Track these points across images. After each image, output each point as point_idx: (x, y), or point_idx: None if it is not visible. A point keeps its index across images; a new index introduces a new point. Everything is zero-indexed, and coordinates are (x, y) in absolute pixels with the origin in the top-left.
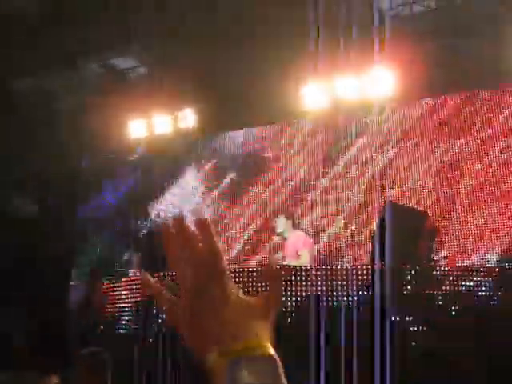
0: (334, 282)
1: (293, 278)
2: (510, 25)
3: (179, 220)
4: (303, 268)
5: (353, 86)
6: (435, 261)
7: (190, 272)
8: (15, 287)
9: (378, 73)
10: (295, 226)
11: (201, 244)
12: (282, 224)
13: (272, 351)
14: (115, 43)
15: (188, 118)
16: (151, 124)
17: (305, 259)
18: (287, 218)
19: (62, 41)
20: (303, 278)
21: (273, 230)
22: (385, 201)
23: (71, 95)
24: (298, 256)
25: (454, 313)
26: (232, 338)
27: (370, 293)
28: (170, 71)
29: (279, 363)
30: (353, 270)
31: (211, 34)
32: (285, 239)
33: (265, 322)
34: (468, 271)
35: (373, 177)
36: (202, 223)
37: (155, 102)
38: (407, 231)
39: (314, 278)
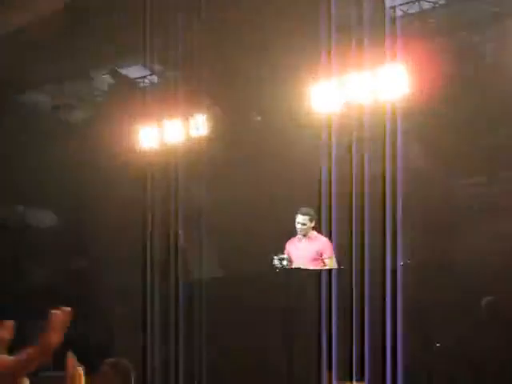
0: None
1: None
2: None
3: None
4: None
5: (365, 86)
6: None
7: None
8: None
9: (390, 71)
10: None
11: None
12: (304, 222)
13: None
14: (126, 53)
15: (200, 125)
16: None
17: (332, 266)
18: (311, 218)
19: (75, 53)
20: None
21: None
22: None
23: (84, 106)
24: (323, 262)
25: None
26: None
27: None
28: (182, 78)
29: None
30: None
31: (221, 38)
32: (303, 237)
33: None
34: None
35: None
36: None
37: (167, 110)
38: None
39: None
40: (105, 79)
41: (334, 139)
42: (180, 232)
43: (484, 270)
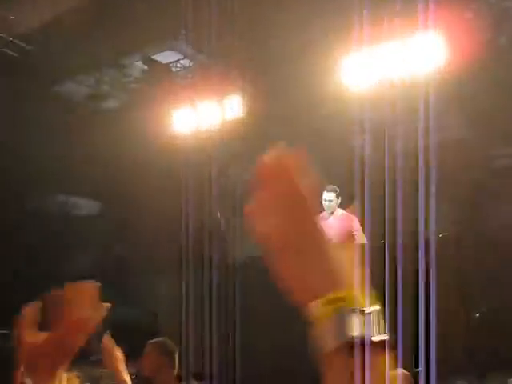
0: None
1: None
2: None
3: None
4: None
5: (399, 57)
6: None
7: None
8: None
9: (424, 40)
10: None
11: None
12: (330, 198)
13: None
14: (158, 38)
15: (235, 107)
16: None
17: (362, 241)
18: (337, 195)
19: (107, 40)
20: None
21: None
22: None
23: (118, 94)
24: (353, 238)
25: None
26: (335, 286)
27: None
28: (214, 61)
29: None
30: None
31: (252, 20)
32: (330, 214)
33: (357, 268)
34: None
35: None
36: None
37: (201, 93)
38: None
39: None
40: (138, 66)
41: (367, 113)
42: (218, 214)
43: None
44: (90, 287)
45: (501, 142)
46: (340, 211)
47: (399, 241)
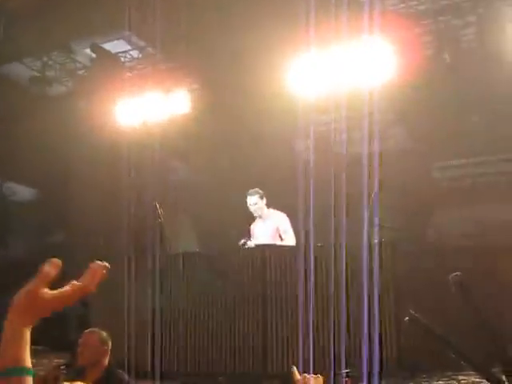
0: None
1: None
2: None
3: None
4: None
5: (345, 67)
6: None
7: None
8: None
9: (371, 53)
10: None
11: None
12: (255, 202)
13: None
14: (108, 27)
15: (181, 102)
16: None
17: (292, 242)
18: (261, 196)
19: (56, 26)
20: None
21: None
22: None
23: (64, 80)
24: (281, 238)
25: None
26: None
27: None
28: (163, 54)
29: None
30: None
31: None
32: (260, 217)
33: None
34: None
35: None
36: None
37: (148, 85)
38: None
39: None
40: (86, 53)
41: (312, 119)
42: (157, 206)
43: (455, 249)
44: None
45: (440, 155)
46: (269, 211)
47: (342, 243)
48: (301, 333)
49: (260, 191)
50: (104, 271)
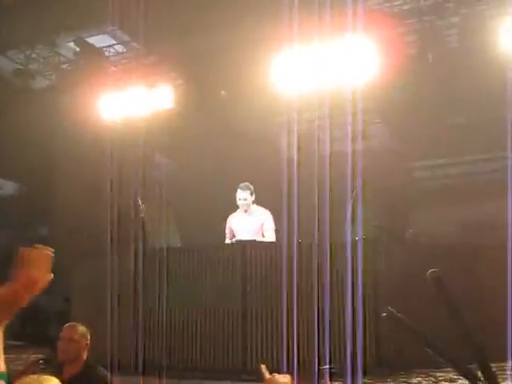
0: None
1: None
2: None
3: None
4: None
5: (328, 66)
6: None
7: None
8: None
9: (355, 52)
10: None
11: None
12: (245, 197)
13: None
14: (92, 21)
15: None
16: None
17: (272, 237)
18: (251, 192)
19: (41, 19)
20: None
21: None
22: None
23: (48, 73)
24: (263, 235)
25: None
26: None
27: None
28: (148, 48)
29: None
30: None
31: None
32: (245, 212)
33: None
34: None
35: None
36: None
37: (132, 79)
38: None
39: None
40: (70, 46)
41: (296, 116)
42: (139, 201)
43: (434, 248)
44: (43, 253)
45: (421, 154)
46: (254, 207)
47: (326, 240)
48: (283, 328)
49: (251, 186)
50: (48, 258)
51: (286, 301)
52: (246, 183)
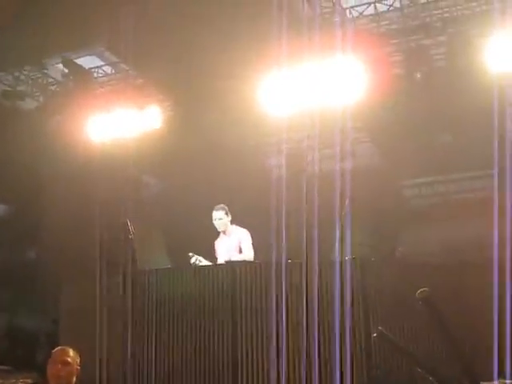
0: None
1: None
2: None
3: None
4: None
5: (318, 86)
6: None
7: None
8: None
9: (343, 71)
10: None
11: None
12: (220, 217)
13: None
14: (80, 43)
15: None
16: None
17: (250, 256)
18: (226, 212)
19: (29, 40)
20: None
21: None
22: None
23: (36, 94)
24: (240, 252)
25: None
26: None
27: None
28: (137, 69)
29: None
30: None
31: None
32: (223, 232)
33: None
34: None
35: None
36: None
37: (120, 101)
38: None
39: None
40: (58, 68)
41: (285, 136)
42: (128, 223)
43: (422, 267)
44: None
45: (409, 173)
46: (232, 227)
47: (314, 259)
48: (271, 350)
49: (225, 207)
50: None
51: (275, 321)
52: (221, 205)
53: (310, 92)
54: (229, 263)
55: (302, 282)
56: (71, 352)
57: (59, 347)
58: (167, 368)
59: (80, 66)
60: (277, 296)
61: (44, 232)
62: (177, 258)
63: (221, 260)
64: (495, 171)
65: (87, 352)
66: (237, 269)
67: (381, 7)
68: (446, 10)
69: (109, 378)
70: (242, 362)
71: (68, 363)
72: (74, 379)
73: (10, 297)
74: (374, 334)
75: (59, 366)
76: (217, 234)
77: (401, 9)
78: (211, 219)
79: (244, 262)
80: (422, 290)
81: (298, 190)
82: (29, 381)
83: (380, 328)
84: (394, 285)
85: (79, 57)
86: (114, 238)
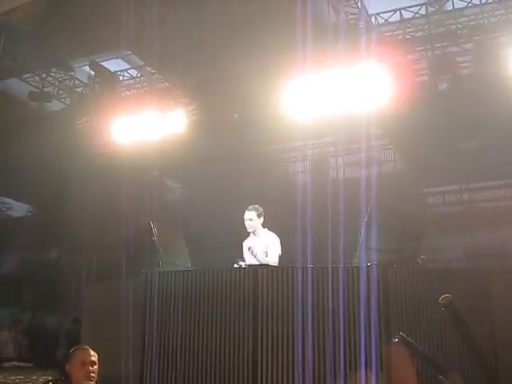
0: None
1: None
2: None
3: None
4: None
5: (342, 92)
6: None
7: None
8: None
9: (367, 78)
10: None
11: None
12: (250, 217)
13: None
14: (106, 46)
15: (178, 120)
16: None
17: (273, 261)
18: (259, 214)
19: (56, 43)
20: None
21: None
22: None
23: (63, 96)
24: (266, 256)
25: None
26: None
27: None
28: (161, 73)
29: None
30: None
31: (200, 37)
32: (253, 234)
33: None
34: None
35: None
36: None
37: (146, 103)
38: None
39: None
40: (85, 70)
41: (309, 142)
42: (153, 226)
43: (445, 273)
44: None
45: (433, 180)
46: (262, 230)
47: (340, 265)
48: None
49: (259, 209)
50: None
51: (300, 326)
52: (255, 205)
53: (334, 98)
54: (251, 267)
55: (326, 287)
56: (92, 351)
57: (80, 347)
58: (189, 372)
59: (106, 69)
60: (302, 301)
61: (67, 232)
62: (199, 260)
63: (247, 261)
64: None
65: (109, 352)
66: (259, 272)
67: (406, 14)
68: (472, 17)
69: (131, 378)
70: (262, 368)
71: (96, 363)
72: (95, 378)
73: (33, 296)
74: (395, 339)
75: (89, 367)
76: (244, 235)
77: (426, 16)
78: (236, 221)
79: (266, 265)
80: (444, 295)
81: (322, 195)
82: (49, 378)
83: (401, 333)
84: (416, 290)
85: (105, 60)
86: (138, 239)
